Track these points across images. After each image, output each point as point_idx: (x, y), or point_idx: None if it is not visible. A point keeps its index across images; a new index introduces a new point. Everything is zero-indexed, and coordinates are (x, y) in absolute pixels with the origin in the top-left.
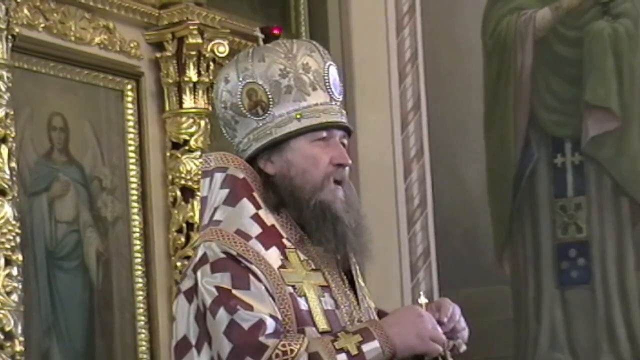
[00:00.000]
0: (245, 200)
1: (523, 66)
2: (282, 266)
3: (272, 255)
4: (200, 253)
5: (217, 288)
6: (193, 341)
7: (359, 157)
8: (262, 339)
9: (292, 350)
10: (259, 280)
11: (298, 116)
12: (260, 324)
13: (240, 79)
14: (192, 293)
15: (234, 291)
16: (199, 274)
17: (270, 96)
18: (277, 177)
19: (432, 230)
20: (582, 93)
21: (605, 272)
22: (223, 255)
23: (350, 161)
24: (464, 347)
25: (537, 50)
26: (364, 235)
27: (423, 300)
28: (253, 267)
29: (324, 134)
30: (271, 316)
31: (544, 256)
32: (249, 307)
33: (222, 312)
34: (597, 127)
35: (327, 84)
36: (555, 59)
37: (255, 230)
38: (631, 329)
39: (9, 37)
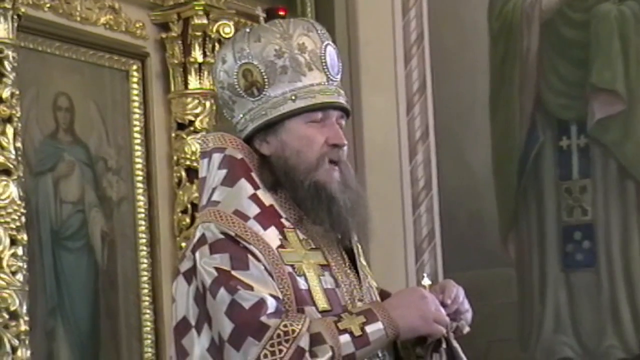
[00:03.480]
0: (243, 180)
1: (529, 49)
2: (281, 246)
3: (271, 235)
4: (198, 234)
5: (217, 269)
6: (193, 322)
7: (364, 139)
8: (263, 318)
9: (293, 331)
10: (258, 260)
11: (293, 97)
12: (261, 304)
13: (237, 59)
14: (191, 274)
15: (233, 272)
16: (197, 255)
17: (265, 77)
18: (272, 158)
19: (437, 212)
20: (588, 76)
21: (610, 255)
22: (221, 236)
23: (346, 142)
24: (467, 329)
25: (543, 32)
26: (360, 215)
27: (427, 281)
28: (251, 248)
29: (320, 114)
30: (272, 296)
31: (548, 239)
32: (249, 287)
33: (222, 292)
34: (603, 110)
35: (323, 64)
36: (562, 41)
37: (253, 210)
38: (635, 312)
39: (15, 16)
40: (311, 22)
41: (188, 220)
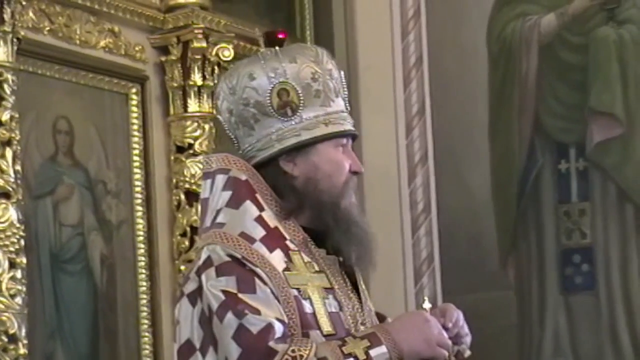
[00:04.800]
0: (248, 202)
1: (528, 72)
2: (287, 269)
3: (277, 258)
4: (204, 256)
5: (224, 292)
6: (197, 344)
7: (364, 161)
8: (271, 344)
9: (301, 356)
10: (265, 283)
11: (326, 121)
12: (269, 329)
13: (271, 78)
14: (196, 296)
15: (240, 295)
16: (203, 277)
17: (301, 98)
18: (300, 179)
19: (436, 235)
20: (587, 99)
21: (609, 279)
22: (228, 259)
23: (363, 169)
24: (468, 352)
25: (542, 56)
26: (373, 243)
27: (427, 305)
28: (258, 270)
29: (344, 140)
30: (278, 320)
31: (548, 262)
32: (257, 311)
33: (229, 316)
34: (601, 133)
35: (344, 91)
36: (560, 64)
37: (259, 232)
38: (635, 336)
39: (14, 40)
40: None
41: (187, 243)
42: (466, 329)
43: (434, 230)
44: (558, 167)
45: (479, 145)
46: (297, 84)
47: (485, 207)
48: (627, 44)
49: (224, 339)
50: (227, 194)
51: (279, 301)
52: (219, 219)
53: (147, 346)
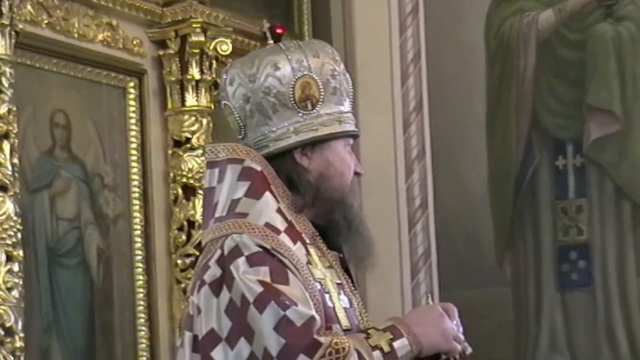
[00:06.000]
0: (267, 193)
1: (526, 68)
2: (308, 262)
3: (299, 251)
4: (231, 244)
5: (261, 282)
6: (223, 334)
7: (361, 158)
8: (316, 336)
9: (344, 349)
10: (295, 275)
11: (340, 119)
12: (312, 321)
13: (295, 70)
14: (220, 285)
15: (275, 285)
16: (232, 267)
17: (322, 93)
18: (313, 174)
19: (432, 231)
20: (585, 96)
21: (605, 275)
22: (258, 249)
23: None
24: (469, 350)
25: (540, 52)
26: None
27: (430, 301)
28: (287, 262)
29: (351, 141)
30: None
31: (544, 258)
32: (295, 303)
33: (271, 307)
34: (599, 130)
35: (351, 93)
36: (558, 61)
37: (281, 224)
38: (631, 332)
39: (12, 33)
40: None
41: (184, 237)
42: (461, 328)
43: (430, 227)
44: (555, 163)
45: (476, 141)
46: (319, 79)
47: (482, 203)
48: (625, 41)
49: (263, 330)
50: (245, 184)
51: (307, 294)
52: (239, 209)
53: (144, 340)
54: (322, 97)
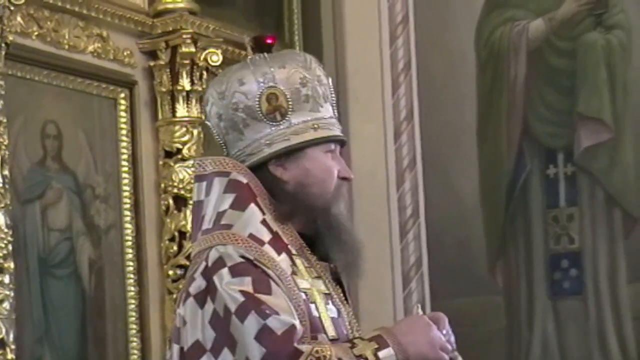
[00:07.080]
0: (253, 205)
1: (516, 77)
2: (293, 272)
3: (284, 262)
4: (215, 255)
5: (242, 292)
6: (207, 345)
7: (352, 166)
8: (297, 344)
9: (324, 357)
10: (278, 285)
11: (315, 126)
12: (293, 330)
13: (260, 83)
14: (204, 297)
15: (257, 295)
16: (216, 278)
17: (290, 103)
18: (291, 184)
19: (424, 240)
20: (575, 104)
21: (597, 283)
22: (241, 259)
23: (352, 175)
24: (459, 359)
25: (531, 61)
26: (361, 252)
27: (420, 311)
28: (270, 273)
29: (333, 146)
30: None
31: (536, 267)
32: (276, 313)
33: (252, 317)
34: (589, 138)
35: (332, 98)
36: (549, 69)
37: (266, 235)
38: (622, 340)
39: (3, 44)
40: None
41: (175, 247)
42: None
43: (422, 235)
44: (546, 172)
45: (468, 150)
46: (286, 89)
47: (473, 212)
48: (615, 49)
49: (245, 340)
50: (230, 197)
51: (290, 304)
52: (224, 221)
53: (135, 351)
54: (291, 106)
